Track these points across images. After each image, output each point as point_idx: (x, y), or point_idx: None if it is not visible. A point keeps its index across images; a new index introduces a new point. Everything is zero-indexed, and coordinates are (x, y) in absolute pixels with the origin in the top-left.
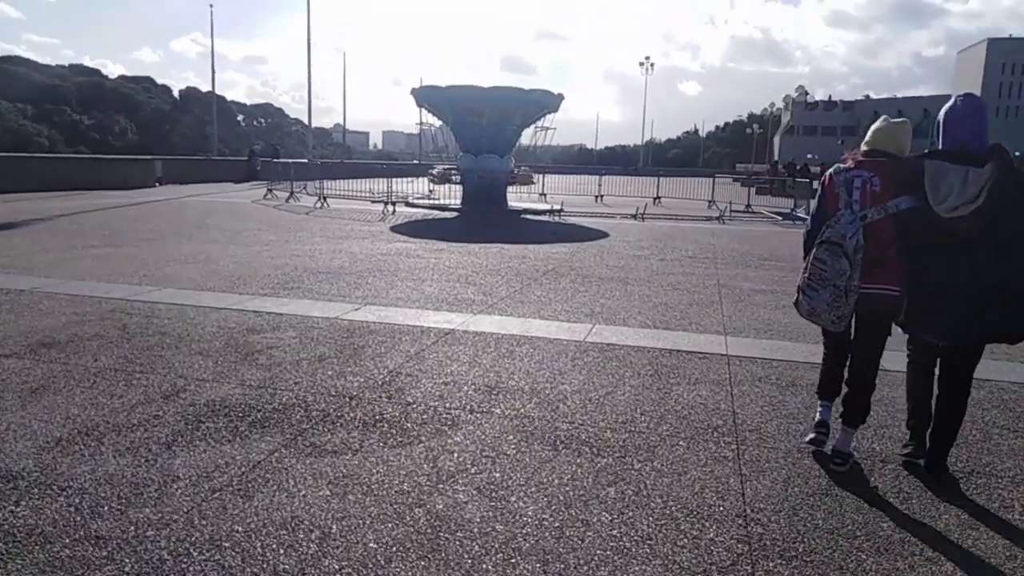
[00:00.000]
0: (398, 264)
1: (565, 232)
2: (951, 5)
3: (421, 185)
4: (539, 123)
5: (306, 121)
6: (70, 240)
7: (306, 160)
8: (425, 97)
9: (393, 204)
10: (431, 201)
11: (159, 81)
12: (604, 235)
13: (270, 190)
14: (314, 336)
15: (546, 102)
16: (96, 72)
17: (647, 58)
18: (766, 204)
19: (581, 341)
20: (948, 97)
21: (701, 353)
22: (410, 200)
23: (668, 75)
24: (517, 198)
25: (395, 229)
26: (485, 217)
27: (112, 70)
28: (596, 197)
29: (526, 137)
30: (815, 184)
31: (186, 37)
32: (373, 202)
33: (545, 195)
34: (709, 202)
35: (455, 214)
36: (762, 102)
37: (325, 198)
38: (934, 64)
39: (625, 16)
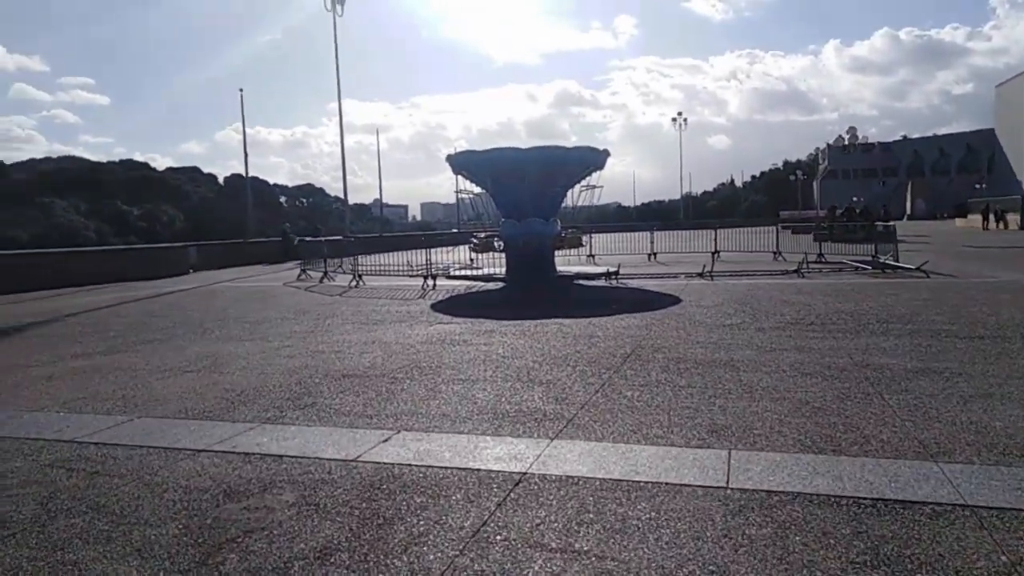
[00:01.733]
0: (441, 356)
1: (629, 299)
2: (973, 44)
3: (462, 254)
4: (584, 182)
5: (348, 199)
6: (61, 347)
7: (340, 237)
8: (462, 163)
9: (433, 278)
10: (473, 272)
11: (205, 170)
12: (675, 300)
13: (304, 270)
14: (320, 501)
15: (591, 159)
16: (145, 165)
17: (680, 114)
18: (838, 252)
19: (722, 488)
20: (991, 131)
21: (923, 504)
22: (451, 271)
23: (695, 130)
24: (565, 262)
25: (436, 307)
26: (534, 286)
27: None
28: (649, 255)
29: (570, 198)
30: (880, 227)
31: (229, 128)
32: (412, 276)
33: (594, 256)
34: (775, 253)
35: (500, 285)
36: (793, 150)
37: (360, 276)
38: (964, 101)
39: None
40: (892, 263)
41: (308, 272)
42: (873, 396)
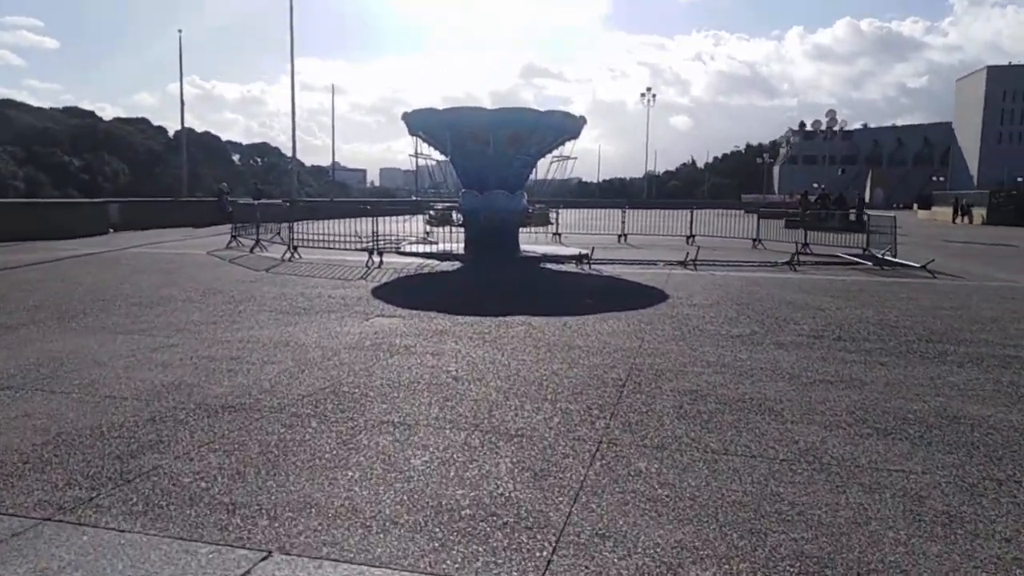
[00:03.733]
0: (371, 373)
1: (607, 290)
2: (930, 39)
3: (417, 226)
4: (556, 152)
5: (304, 160)
6: None
7: (280, 201)
8: (420, 123)
9: (380, 254)
10: (427, 248)
11: (155, 122)
12: (662, 295)
13: (234, 237)
14: None
15: (566, 126)
16: (90, 114)
17: (648, 89)
18: (822, 243)
19: None
20: (948, 125)
21: None
22: (402, 247)
23: (658, 109)
24: (529, 240)
25: (378, 292)
26: (495, 268)
27: (110, 113)
28: (619, 236)
29: (538, 170)
30: (852, 216)
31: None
32: (357, 250)
33: (560, 235)
34: (754, 240)
35: (457, 264)
36: (753, 134)
37: (296, 248)
38: (919, 94)
39: (612, 53)
40: (891, 259)
41: (240, 240)
42: (1009, 484)
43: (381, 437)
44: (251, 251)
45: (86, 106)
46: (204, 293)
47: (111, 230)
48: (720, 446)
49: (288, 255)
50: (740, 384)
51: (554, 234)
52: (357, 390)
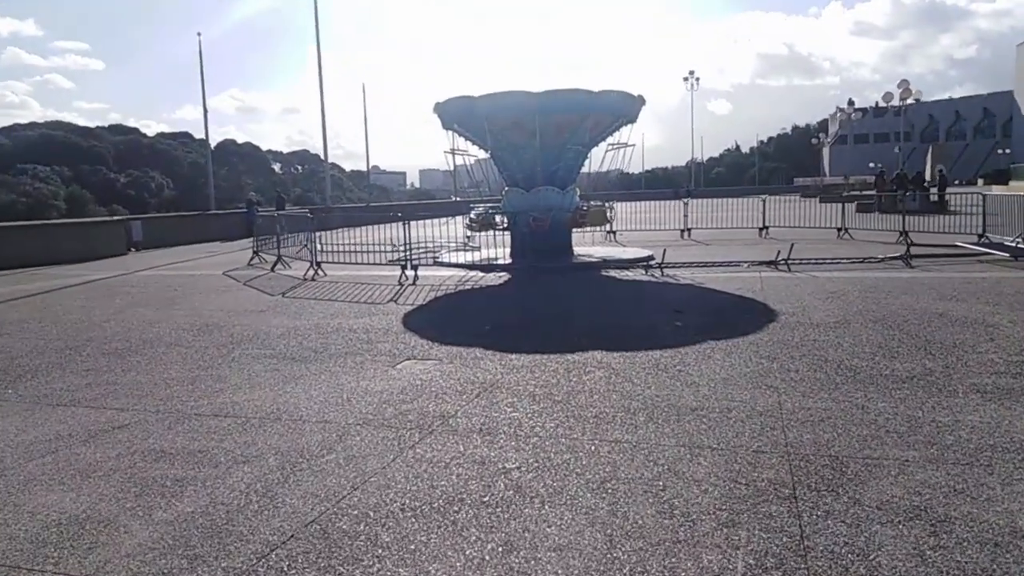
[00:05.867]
0: (389, 482)
1: (693, 305)
2: (976, 6)
3: (457, 229)
4: (612, 139)
5: (344, 166)
6: None
7: (306, 210)
8: (454, 114)
9: (414, 268)
10: (468, 257)
11: (197, 136)
12: (766, 311)
13: (256, 252)
14: None
15: (624, 108)
16: (134, 131)
17: (691, 72)
18: (913, 229)
19: None
20: (1009, 94)
21: None
22: (440, 256)
23: (698, 95)
24: (581, 240)
25: (411, 321)
26: (548, 279)
27: (154, 129)
28: (682, 232)
29: (591, 161)
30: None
31: (225, 93)
32: (391, 262)
33: (615, 233)
34: (839, 230)
35: (503, 276)
36: (795, 115)
37: (320, 264)
38: (968, 65)
39: (649, 41)
40: (1012, 244)
41: (262, 255)
42: None
43: None
44: (272, 269)
45: (131, 123)
46: (200, 330)
47: (132, 249)
48: None
49: (311, 273)
50: (984, 484)
51: (608, 232)
52: (362, 526)
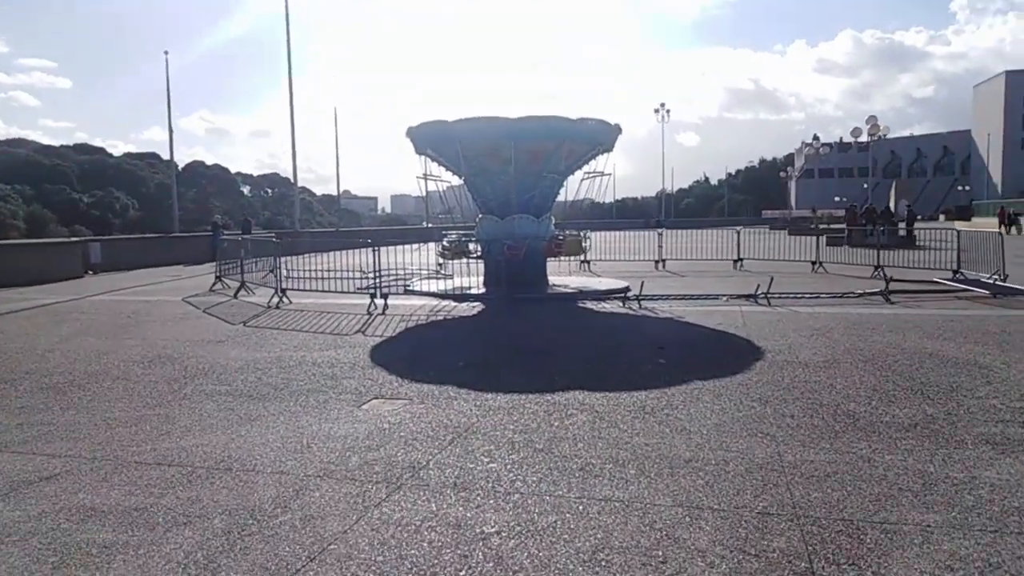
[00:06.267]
0: (351, 552)
1: (675, 341)
2: (933, 48)
3: (429, 256)
4: (587, 167)
5: (315, 190)
6: None
7: (269, 234)
8: (428, 138)
9: (384, 296)
10: (441, 286)
11: (165, 157)
12: (752, 348)
13: (218, 278)
14: None
15: (601, 136)
16: (100, 150)
17: (662, 105)
18: (890, 265)
19: None
20: (967, 133)
21: None
22: (411, 284)
23: (667, 127)
24: (556, 270)
25: (379, 354)
26: (523, 310)
27: (122, 149)
28: (656, 263)
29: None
30: (903, 230)
31: (195, 115)
32: (360, 290)
33: (589, 263)
34: (813, 263)
35: (476, 306)
36: (763, 149)
37: (284, 291)
38: (926, 104)
39: (616, 72)
40: (1006, 285)
41: (225, 280)
42: None
43: None
44: (235, 295)
45: (97, 143)
46: (151, 362)
47: (90, 272)
48: None
49: (275, 300)
50: (1022, 557)
51: (582, 262)
52: None
